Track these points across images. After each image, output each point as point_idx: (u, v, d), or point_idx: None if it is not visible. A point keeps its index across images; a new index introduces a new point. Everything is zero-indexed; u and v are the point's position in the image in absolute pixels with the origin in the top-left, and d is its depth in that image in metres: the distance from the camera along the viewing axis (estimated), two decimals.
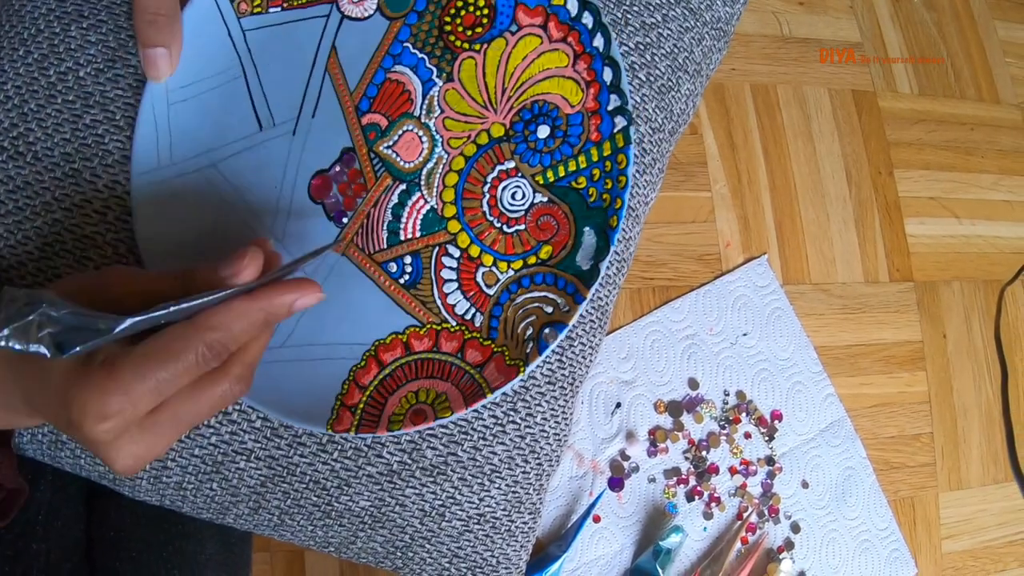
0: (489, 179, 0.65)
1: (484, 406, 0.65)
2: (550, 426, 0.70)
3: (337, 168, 0.63)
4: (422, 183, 0.64)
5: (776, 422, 1.37)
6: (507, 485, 0.69)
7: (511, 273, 0.64)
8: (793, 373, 1.40)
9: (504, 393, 0.66)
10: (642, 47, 0.71)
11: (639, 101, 0.71)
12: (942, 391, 1.51)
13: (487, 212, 0.64)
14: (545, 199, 0.65)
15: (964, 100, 1.66)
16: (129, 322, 0.45)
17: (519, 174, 0.65)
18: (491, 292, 0.64)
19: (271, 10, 0.63)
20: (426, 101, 0.64)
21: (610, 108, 0.65)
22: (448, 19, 0.65)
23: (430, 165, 0.64)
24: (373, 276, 0.63)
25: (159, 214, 0.59)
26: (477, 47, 0.65)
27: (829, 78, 1.57)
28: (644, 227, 0.76)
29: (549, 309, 0.64)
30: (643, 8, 0.72)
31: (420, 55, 0.64)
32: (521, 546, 0.73)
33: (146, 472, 0.64)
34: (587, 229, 0.64)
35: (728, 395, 1.36)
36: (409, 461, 0.65)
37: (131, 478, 0.64)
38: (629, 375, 1.32)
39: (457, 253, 0.64)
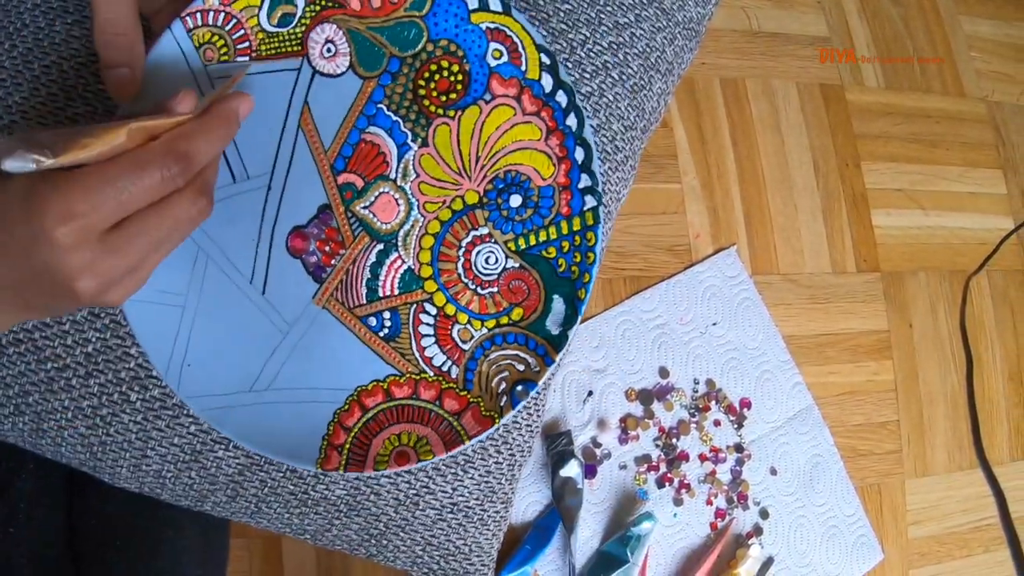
0: (464, 243, 0.66)
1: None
2: (522, 417, 0.72)
3: (314, 225, 0.63)
4: (399, 244, 0.65)
5: (745, 410, 1.39)
6: (480, 475, 0.71)
7: (484, 331, 0.66)
8: (762, 362, 1.42)
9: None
10: (615, 47, 0.72)
11: (612, 100, 0.72)
12: (908, 380, 1.53)
13: (462, 274, 0.66)
14: (516, 265, 0.66)
15: (930, 94, 1.68)
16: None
17: (492, 240, 0.66)
18: (466, 347, 0.66)
19: (239, 59, 0.61)
20: (401, 164, 0.64)
21: (581, 186, 0.65)
22: (422, 83, 0.64)
23: (407, 227, 0.65)
24: (353, 329, 0.64)
25: None
26: (451, 114, 0.65)
27: (797, 72, 1.58)
28: (616, 219, 0.77)
29: (521, 367, 0.66)
30: (616, 8, 0.73)
31: (395, 118, 0.64)
32: (493, 534, 0.74)
33: (126, 460, 0.64)
34: (556, 296, 0.66)
35: (698, 383, 1.38)
36: None
37: (111, 465, 0.65)
38: (601, 364, 1.34)
39: (433, 311, 0.65)
